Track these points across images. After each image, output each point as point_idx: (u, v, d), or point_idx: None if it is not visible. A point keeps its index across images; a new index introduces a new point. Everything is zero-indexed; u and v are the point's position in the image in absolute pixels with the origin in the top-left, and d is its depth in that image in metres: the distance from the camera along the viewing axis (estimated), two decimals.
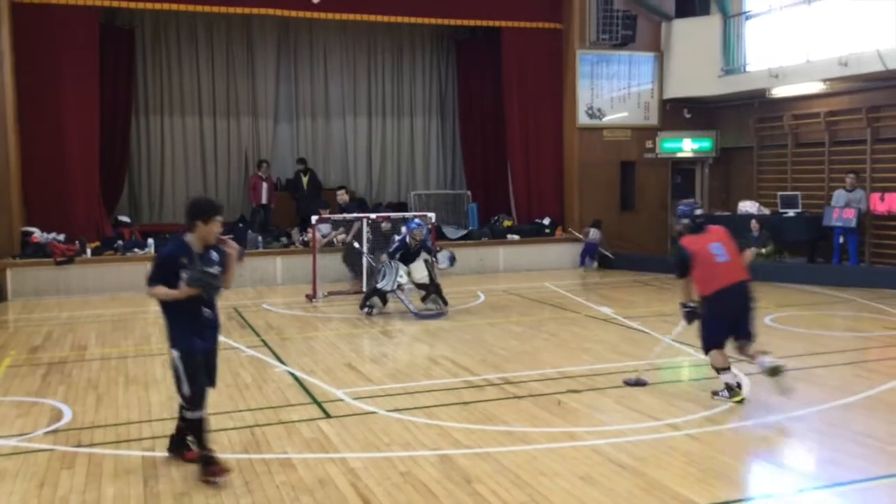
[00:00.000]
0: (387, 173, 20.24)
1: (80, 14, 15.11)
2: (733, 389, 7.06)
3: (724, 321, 7.08)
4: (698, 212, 7.37)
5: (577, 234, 17.58)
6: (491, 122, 19.54)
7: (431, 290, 12.01)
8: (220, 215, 5.56)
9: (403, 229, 12.43)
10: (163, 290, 5.35)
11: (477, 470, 5.47)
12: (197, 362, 5.43)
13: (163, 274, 5.38)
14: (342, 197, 14.74)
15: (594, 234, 17.33)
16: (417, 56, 20.20)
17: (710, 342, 7.14)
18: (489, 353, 9.17)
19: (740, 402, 6.98)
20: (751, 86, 16.85)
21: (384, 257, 12.04)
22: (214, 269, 5.42)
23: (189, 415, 5.46)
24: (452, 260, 12.43)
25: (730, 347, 7.18)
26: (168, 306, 5.44)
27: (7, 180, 14.24)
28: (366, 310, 11.89)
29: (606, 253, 17.37)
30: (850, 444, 5.96)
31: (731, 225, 16.41)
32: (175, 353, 5.41)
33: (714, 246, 7.11)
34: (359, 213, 14.65)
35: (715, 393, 7.23)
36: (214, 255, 5.56)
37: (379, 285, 11.88)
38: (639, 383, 7.67)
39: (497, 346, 9.52)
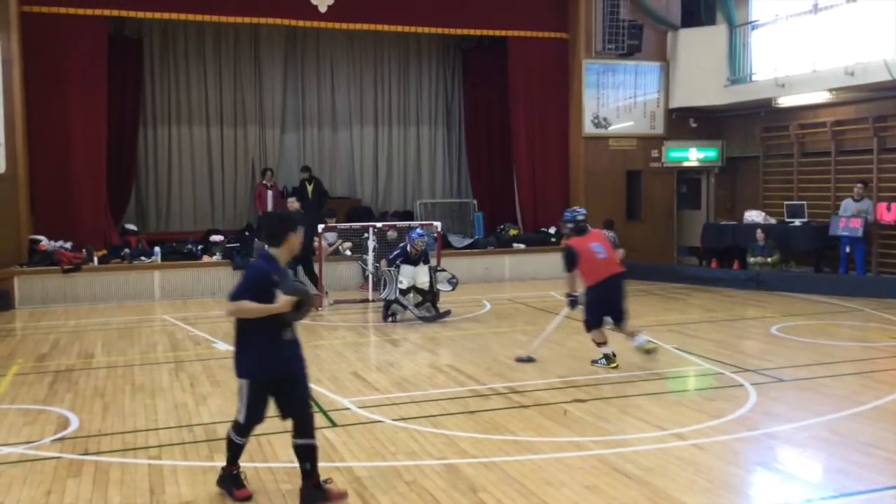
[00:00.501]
0: (393, 182, 20.29)
1: (89, 23, 15.21)
2: (610, 358, 8.70)
3: (603, 305, 8.63)
4: (580, 217, 8.83)
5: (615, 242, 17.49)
6: (497, 131, 19.59)
7: (428, 297, 12.18)
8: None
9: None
10: (253, 305, 4.91)
11: (483, 479, 5.47)
12: (264, 396, 5.12)
13: (253, 289, 4.95)
14: (293, 205, 14.41)
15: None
16: (424, 65, 20.27)
17: (592, 323, 8.71)
18: (495, 362, 9.16)
19: (615, 367, 8.61)
20: (757, 95, 16.86)
21: (383, 265, 12.16)
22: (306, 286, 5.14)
23: (235, 438, 5.25)
24: (454, 284, 12.53)
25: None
26: (247, 328, 5.03)
27: (15, 188, 14.31)
28: (389, 319, 11.99)
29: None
30: (858, 454, 5.94)
31: (737, 234, 16.67)
32: (243, 382, 5.13)
33: (595, 245, 8.66)
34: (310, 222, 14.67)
35: (594, 361, 8.81)
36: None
37: (382, 295, 12.03)
38: (529, 360, 8.96)
39: (503, 355, 9.51)
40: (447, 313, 12.12)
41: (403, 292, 11.97)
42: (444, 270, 12.68)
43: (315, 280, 14.02)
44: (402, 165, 20.35)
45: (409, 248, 12.05)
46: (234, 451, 5.27)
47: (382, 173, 20.14)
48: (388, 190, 20.21)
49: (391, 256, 12.18)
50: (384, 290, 12.01)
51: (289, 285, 5.01)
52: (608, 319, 8.77)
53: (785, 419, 6.83)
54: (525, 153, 18.35)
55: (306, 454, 5.12)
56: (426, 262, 12.25)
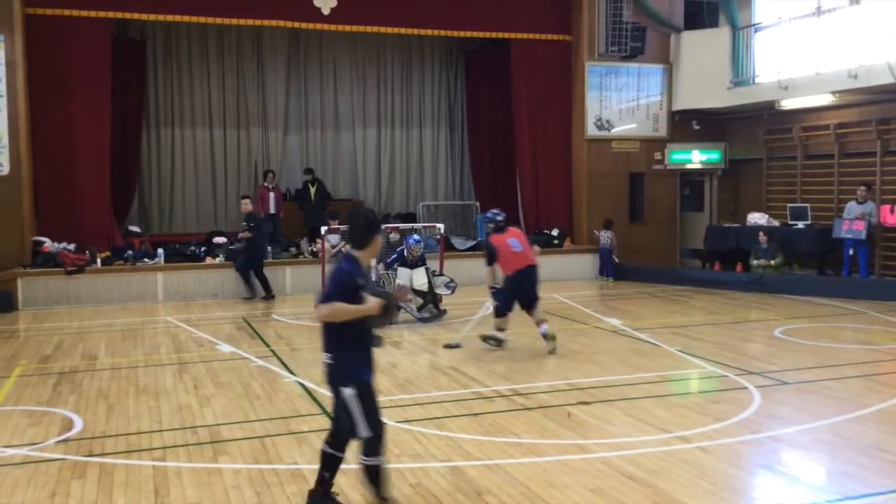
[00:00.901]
0: (395, 184, 20.32)
1: (93, 25, 15.22)
2: (500, 341, 9.81)
3: (517, 294, 9.73)
4: (500, 218, 9.94)
5: (600, 236, 17.49)
6: (500, 134, 19.62)
7: (429, 298, 12.29)
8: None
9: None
10: (348, 307, 4.63)
11: (487, 482, 5.46)
12: (374, 398, 4.79)
13: (344, 292, 4.68)
14: (245, 207, 14.92)
15: (605, 237, 17.32)
16: (426, 67, 20.29)
17: (504, 308, 9.80)
18: (498, 364, 9.16)
19: (499, 345, 9.77)
20: (760, 98, 16.86)
21: (381, 269, 12.28)
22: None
23: (370, 461, 4.78)
24: (452, 288, 12.65)
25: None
26: (340, 334, 4.72)
27: (19, 190, 14.33)
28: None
29: (614, 258, 17.35)
30: (862, 457, 5.93)
31: (740, 237, 16.65)
32: (348, 391, 4.70)
33: (512, 241, 9.73)
34: (253, 223, 14.78)
35: (486, 338, 9.88)
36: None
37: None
38: (456, 346, 9.95)
39: (506, 357, 9.51)
40: (443, 313, 12.28)
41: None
42: (442, 275, 12.80)
43: (266, 283, 14.64)
44: (405, 167, 20.38)
45: (405, 252, 12.23)
46: (375, 475, 4.83)
47: (385, 175, 20.16)
48: (390, 192, 20.24)
49: (388, 260, 12.38)
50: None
51: (374, 288, 4.83)
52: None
53: (789, 422, 6.83)
54: (528, 155, 18.35)
55: (331, 464, 4.97)
56: (423, 264, 12.41)
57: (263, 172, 17.96)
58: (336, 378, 4.78)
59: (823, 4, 15.74)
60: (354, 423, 4.72)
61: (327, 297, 4.67)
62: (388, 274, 12.15)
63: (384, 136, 20.13)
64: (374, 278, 13.57)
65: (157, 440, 6.49)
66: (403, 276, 12.11)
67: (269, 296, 14.77)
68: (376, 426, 4.76)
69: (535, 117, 18.27)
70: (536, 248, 10.16)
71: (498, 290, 9.87)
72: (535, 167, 18.42)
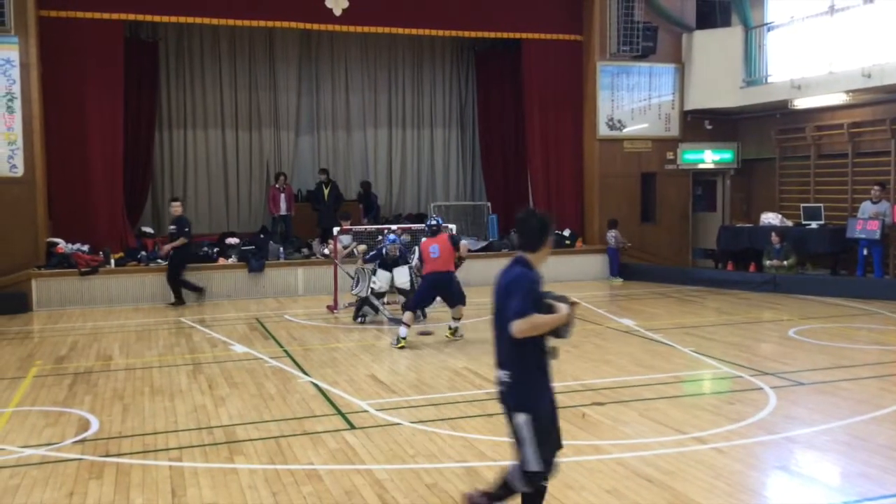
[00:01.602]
0: (407, 184, 20.35)
1: (106, 27, 15.28)
2: (401, 340, 10.24)
3: (429, 295, 10.89)
4: (433, 222, 10.96)
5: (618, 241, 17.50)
6: (511, 134, 19.62)
7: (410, 296, 12.19)
8: None
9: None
10: (545, 318, 4.22)
11: None
12: (549, 425, 4.39)
13: (535, 301, 4.26)
14: (176, 210, 14.52)
15: (611, 237, 17.31)
16: (438, 68, 20.31)
17: (413, 305, 10.82)
18: None
19: (402, 348, 10.17)
20: (773, 97, 16.78)
21: (359, 263, 12.39)
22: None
23: (526, 486, 4.41)
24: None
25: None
26: (522, 348, 4.29)
27: (33, 191, 14.40)
28: (359, 320, 12.28)
29: (623, 242, 17.34)
30: (879, 458, 5.90)
31: (753, 237, 16.54)
32: (523, 417, 4.29)
33: (433, 247, 10.55)
34: (187, 227, 14.45)
35: (392, 343, 10.43)
36: None
37: (353, 291, 12.29)
38: (426, 333, 11.06)
39: None
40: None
41: (378, 295, 12.28)
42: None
43: (180, 288, 14.31)
44: (416, 168, 20.41)
45: (384, 251, 12.20)
46: (533, 500, 4.48)
47: (396, 175, 20.21)
48: (401, 192, 20.28)
49: (367, 257, 12.40)
50: (356, 286, 12.26)
51: (552, 293, 4.39)
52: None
53: (805, 423, 6.80)
54: (539, 155, 18.33)
55: (506, 491, 4.54)
56: (404, 262, 12.34)
57: (275, 175, 18.01)
58: (513, 399, 4.35)
59: (837, 3, 15.65)
60: (524, 454, 4.32)
61: (523, 309, 4.18)
62: (364, 269, 12.25)
63: (395, 137, 20.17)
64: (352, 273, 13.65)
65: (173, 440, 6.52)
66: (382, 278, 12.11)
67: (178, 301, 14.27)
68: (548, 461, 4.34)
69: (546, 117, 18.24)
70: (465, 243, 11.55)
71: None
72: (546, 167, 18.39)
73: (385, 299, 12.65)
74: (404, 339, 10.26)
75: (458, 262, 11.27)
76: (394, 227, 14.96)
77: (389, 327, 11.82)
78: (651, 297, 14.94)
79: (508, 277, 4.38)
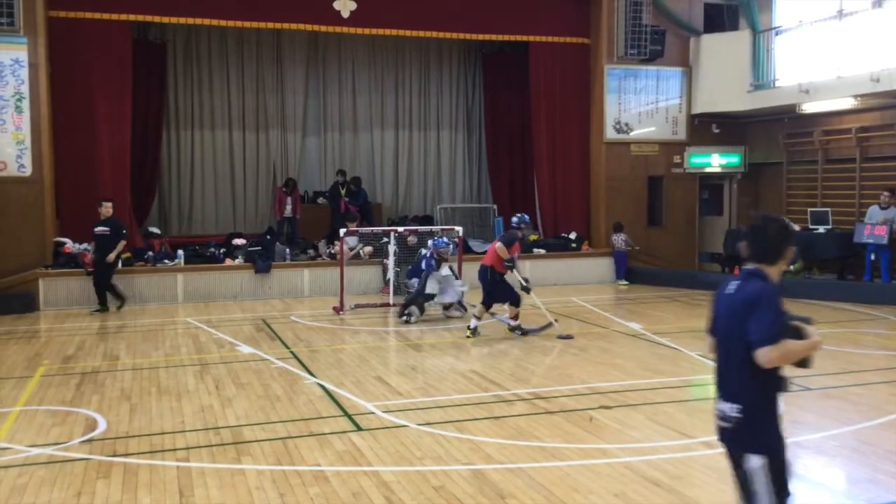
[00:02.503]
0: (413, 186, 20.36)
1: (114, 28, 15.33)
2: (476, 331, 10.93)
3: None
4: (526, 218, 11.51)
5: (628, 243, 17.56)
6: (517, 136, 19.62)
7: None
8: None
9: (430, 243, 12.86)
10: (798, 344, 3.63)
11: (510, 486, 5.45)
12: (786, 471, 3.75)
13: (784, 323, 3.63)
14: (108, 210, 13.70)
15: (619, 239, 17.32)
16: (444, 70, 20.33)
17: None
18: (518, 368, 9.15)
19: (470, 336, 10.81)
20: (780, 101, 16.75)
21: (430, 275, 12.51)
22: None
23: None
24: (461, 293, 12.94)
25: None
26: (760, 380, 3.65)
27: (41, 191, 14.44)
28: (404, 318, 12.25)
29: (631, 245, 17.41)
30: (888, 463, 5.88)
31: None
32: (757, 462, 3.67)
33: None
34: (123, 229, 13.87)
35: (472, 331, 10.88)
36: None
37: (436, 301, 12.38)
38: (566, 337, 10.79)
39: (526, 361, 9.50)
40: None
41: (428, 297, 12.40)
42: (457, 278, 12.91)
43: (105, 296, 13.62)
44: (423, 170, 20.42)
45: (434, 255, 12.40)
46: None
47: (403, 178, 20.22)
48: (408, 194, 20.28)
49: (430, 264, 12.54)
50: (439, 295, 12.42)
51: (796, 315, 3.74)
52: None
53: (813, 428, 6.78)
54: (546, 158, 18.32)
55: None
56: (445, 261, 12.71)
57: (285, 181, 18.00)
58: (745, 439, 3.72)
59: (845, 7, 15.62)
60: (756, 501, 3.73)
61: (775, 333, 3.55)
62: (428, 274, 12.40)
63: (402, 139, 20.19)
64: (405, 282, 13.74)
65: (181, 441, 6.53)
66: (433, 282, 12.34)
67: (102, 308, 13.64)
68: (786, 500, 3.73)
69: (553, 120, 18.24)
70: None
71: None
72: (552, 170, 18.39)
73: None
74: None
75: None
76: (400, 228, 15.00)
77: (390, 330, 11.81)
78: (658, 300, 14.91)
79: (746, 293, 3.67)
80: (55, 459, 6.08)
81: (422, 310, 12.41)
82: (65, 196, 15.23)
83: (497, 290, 11.05)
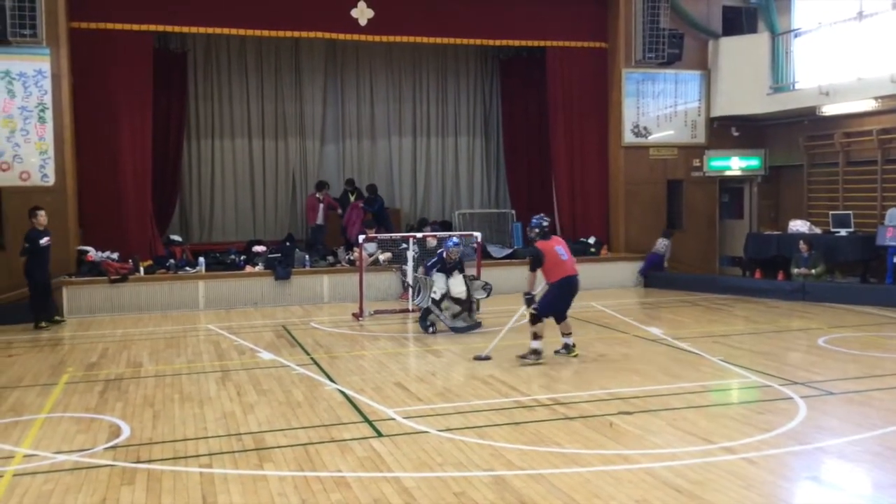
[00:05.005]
0: (431, 192, 20.41)
1: (135, 38, 15.48)
2: (538, 353, 9.55)
3: (560, 303, 9.70)
4: (545, 223, 9.85)
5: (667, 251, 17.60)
6: (535, 141, 19.62)
7: (465, 306, 12.14)
8: None
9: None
10: None
11: (531, 492, 5.45)
12: None
13: None
14: (41, 219, 13.00)
15: (661, 244, 17.31)
16: (462, 76, 20.38)
17: (542, 314, 9.62)
18: (537, 374, 9.14)
19: (538, 357, 9.51)
20: (800, 104, 16.65)
21: (420, 272, 12.22)
22: None
23: None
24: (489, 291, 12.52)
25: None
26: None
27: (64, 200, 14.59)
28: (430, 329, 11.93)
29: (666, 253, 17.48)
30: None
31: (781, 244, 16.37)
32: None
33: (559, 248, 9.70)
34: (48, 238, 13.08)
35: (523, 357, 9.61)
36: None
37: (415, 302, 12.07)
38: (486, 358, 9.82)
39: (545, 366, 9.48)
40: (478, 325, 12.07)
41: (437, 302, 11.96)
42: (476, 279, 12.68)
43: (42, 307, 13.01)
44: (441, 176, 20.47)
45: (444, 255, 12.04)
46: None
47: (421, 184, 20.28)
48: (426, 200, 20.34)
49: (428, 264, 12.31)
50: (418, 297, 12.08)
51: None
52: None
53: (836, 433, 6.73)
54: (564, 163, 18.30)
55: None
56: (461, 271, 12.18)
57: (317, 184, 18.02)
58: None
59: (865, 9, 15.52)
60: None
61: None
62: (425, 278, 12.07)
63: (420, 145, 20.26)
64: (411, 283, 13.69)
65: (203, 447, 6.58)
66: (440, 282, 11.92)
67: (38, 324, 12.99)
68: None
69: (570, 125, 18.22)
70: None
71: (532, 296, 9.67)
72: (571, 175, 18.36)
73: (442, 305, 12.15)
74: (540, 351, 9.59)
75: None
76: (418, 234, 15.04)
77: (409, 335, 11.83)
78: (678, 305, 14.84)
79: None
80: (80, 466, 6.15)
81: (437, 315, 11.95)
82: (87, 205, 15.40)
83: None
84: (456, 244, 12.13)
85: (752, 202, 19.21)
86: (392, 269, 15.58)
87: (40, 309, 13.12)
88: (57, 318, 13.47)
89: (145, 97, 15.82)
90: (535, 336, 9.63)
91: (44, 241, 12.95)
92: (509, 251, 17.58)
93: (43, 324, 13.04)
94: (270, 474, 5.88)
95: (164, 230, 17.21)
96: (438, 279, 11.97)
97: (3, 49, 14.14)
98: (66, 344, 11.80)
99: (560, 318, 9.87)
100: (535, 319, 9.65)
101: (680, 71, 18.13)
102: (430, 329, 11.95)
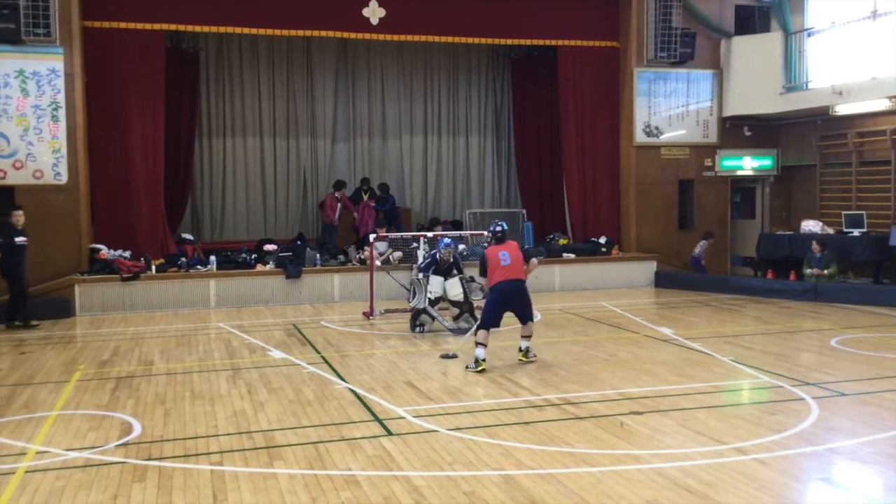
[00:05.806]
0: (442, 192, 20.42)
1: (148, 37, 15.55)
2: (479, 362, 9.21)
3: (501, 307, 9.40)
4: (498, 229, 9.65)
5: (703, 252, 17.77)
6: (546, 141, 19.61)
7: (465, 308, 12.02)
8: None
9: (460, 246, 12.67)
10: None
11: (541, 491, 5.45)
12: None
13: None
14: (18, 219, 12.86)
15: (700, 246, 17.57)
16: (473, 75, 20.37)
17: (486, 323, 9.37)
18: (548, 373, 9.13)
19: (481, 371, 9.12)
20: (813, 103, 16.57)
21: (414, 273, 12.16)
22: None
23: None
24: (486, 293, 12.38)
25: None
26: None
27: (77, 199, 14.68)
28: (417, 329, 11.94)
29: (702, 260, 17.68)
30: None
31: (793, 244, 16.27)
32: None
33: (503, 254, 9.38)
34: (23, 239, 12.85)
35: (467, 367, 9.35)
36: None
37: (411, 304, 12.03)
38: (452, 356, 9.95)
39: (555, 366, 9.47)
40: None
41: (432, 303, 11.85)
42: (474, 280, 12.63)
43: (18, 308, 12.81)
44: (452, 175, 20.47)
45: (438, 256, 11.93)
46: None
47: (432, 183, 20.29)
48: (437, 199, 20.35)
49: (422, 265, 12.19)
50: (413, 298, 12.00)
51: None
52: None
53: (848, 434, 6.69)
54: (575, 162, 18.27)
55: None
56: (459, 271, 12.08)
57: (335, 182, 18.06)
58: None
59: (879, 8, 15.43)
60: None
61: None
62: (419, 279, 11.93)
63: (431, 144, 20.26)
64: (407, 285, 13.64)
65: (214, 445, 6.60)
66: (435, 284, 11.76)
67: (11, 323, 12.83)
68: None
69: (582, 124, 18.19)
70: (535, 261, 9.91)
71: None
72: (582, 174, 18.33)
73: (438, 306, 12.09)
74: (483, 360, 9.22)
75: None
76: (429, 234, 15.03)
77: (433, 334, 11.84)
78: (689, 305, 14.79)
79: None
80: (92, 463, 6.18)
81: (431, 317, 11.84)
82: (100, 203, 15.48)
83: (529, 302, 9.76)
84: (448, 245, 11.96)
85: (765, 202, 19.14)
86: (410, 268, 15.57)
87: (19, 308, 12.90)
88: (33, 322, 12.99)
89: (158, 96, 15.88)
90: (478, 344, 9.35)
91: (19, 239, 12.73)
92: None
93: (17, 322, 12.85)
94: (281, 472, 5.89)
95: (175, 229, 17.28)
96: (434, 281, 11.83)
97: (16, 48, 14.23)
98: (78, 341, 11.86)
99: (523, 320, 9.66)
100: (477, 328, 9.63)
101: (692, 70, 18.08)
102: (419, 329, 11.90)
